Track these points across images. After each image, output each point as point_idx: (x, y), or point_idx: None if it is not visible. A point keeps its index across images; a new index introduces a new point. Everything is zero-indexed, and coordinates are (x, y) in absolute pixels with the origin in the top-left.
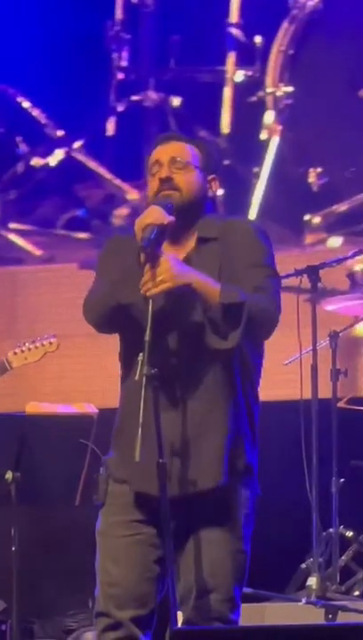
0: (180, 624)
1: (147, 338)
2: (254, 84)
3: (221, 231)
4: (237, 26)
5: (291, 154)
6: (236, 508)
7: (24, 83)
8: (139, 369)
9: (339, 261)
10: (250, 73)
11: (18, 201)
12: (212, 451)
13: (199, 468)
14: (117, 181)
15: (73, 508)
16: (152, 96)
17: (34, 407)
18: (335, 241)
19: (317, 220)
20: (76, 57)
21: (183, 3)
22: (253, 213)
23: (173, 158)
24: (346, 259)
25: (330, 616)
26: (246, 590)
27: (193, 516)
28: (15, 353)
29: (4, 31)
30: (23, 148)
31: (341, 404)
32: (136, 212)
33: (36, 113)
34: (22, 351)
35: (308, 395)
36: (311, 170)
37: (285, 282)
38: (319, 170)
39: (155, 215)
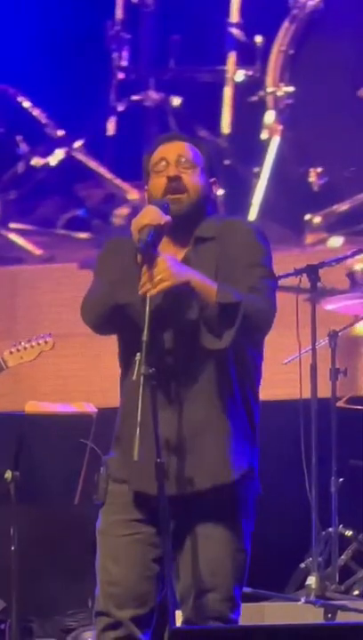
0: (179, 623)
1: (144, 338)
2: (255, 84)
3: (219, 231)
4: (237, 25)
5: (291, 154)
6: (236, 507)
7: (24, 82)
8: (136, 368)
9: (338, 261)
10: (250, 73)
11: (18, 201)
12: (210, 450)
13: (197, 467)
14: (118, 181)
15: (72, 507)
16: (152, 96)
17: (33, 406)
18: (336, 241)
19: (317, 219)
20: (76, 57)
21: (183, 3)
22: (253, 213)
23: (179, 157)
24: (346, 258)
25: (329, 615)
26: (246, 590)
27: (192, 515)
28: (11, 352)
29: (4, 31)
30: (23, 147)
31: (340, 404)
32: (136, 211)
33: (36, 113)
34: (18, 350)
35: (307, 394)
36: (312, 170)
37: (284, 281)
38: (320, 170)
39: (151, 216)
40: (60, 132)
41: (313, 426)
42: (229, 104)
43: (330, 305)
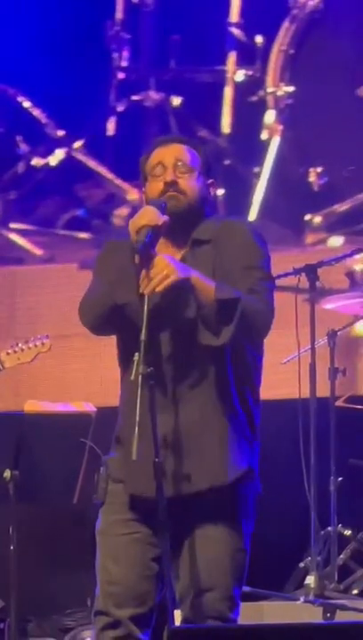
0: (178, 623)
1: (143, 337)
2: (255, 84)
3: (217, 233)
4: (237, 25)
5: (291, 154)
6: (235, 507)
7: (24, 82)
8: (135, 368)
9: (337, 260)
10: (251, 73)
11: (18, 201)
12: (207, 451)
13: (194, 468)
14: (118, 181)
15: (71, 506)
16: (153, 96)
17: (32, 406)
18: (336, 241)
19: (317, 219)
20: (76, 57)
21: (183, 3)
22: (253, 213)
23: (176, 161)
24: (345, 257)
25: (328, 615)
26: (244, 589)
27: (191, 516)
28: (8, 353)
29: (4, 31)
30: (24, 147)
31: (339, 403)
32: (136, 211)
33: (36, 113)
34: (15, 351)
35: (306, 393)
36: (312, 169)
37: (283, 281)
38: (320, 169)
39: (149, 216)
40: (61, 132)
41: (312, 425)
42: (230, 104)
43: (329, 304)
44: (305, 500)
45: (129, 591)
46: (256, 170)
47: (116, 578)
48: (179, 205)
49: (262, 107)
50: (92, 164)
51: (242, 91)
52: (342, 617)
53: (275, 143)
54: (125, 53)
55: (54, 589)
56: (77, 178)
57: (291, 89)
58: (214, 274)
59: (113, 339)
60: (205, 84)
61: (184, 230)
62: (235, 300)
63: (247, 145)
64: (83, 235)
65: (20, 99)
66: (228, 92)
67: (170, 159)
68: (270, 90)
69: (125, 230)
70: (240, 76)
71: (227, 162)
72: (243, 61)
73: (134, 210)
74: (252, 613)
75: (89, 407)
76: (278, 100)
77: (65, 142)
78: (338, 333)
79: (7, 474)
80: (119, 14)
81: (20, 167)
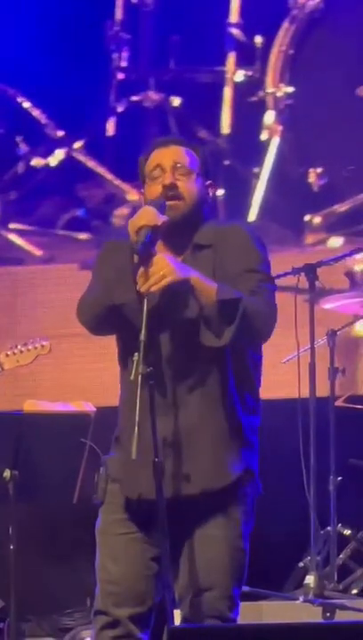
0: (178, 622)
1: (142, 337)
2: (255, 85)
3: (217, 238)
4: (237, 26)
5: (291, 154)
6: (234, 507)
7: (24, 83)
8: (134, 368)
9: (337, 260)
10: (250, 73)
11: (18, 201)
12: (204, 453)
13: (191, 470)
14: (118, 181)
15: (71, 506)
16: (152, 96)
17: (32, 405)
18: (336, 241)
19: (317, 220)
20: (76, 57)
21: (183, 3)
22: (253, 214)
23: (175, 163)
24: (344, 257)
25: (328, 614)
26: (244, 588)
27: (190, 516)
28: (7, 355)
29: (4, 31)
30: (23, 148)
31: (339, 403)
32: (136, 212)
33: (36, 113)
34: (14, 353)
35: (306, 393)
36: (312, 170)
37: (283, 281)
38: (320, 170)
39: (148, 217)
40: (60, 133)
41: (312, 425)
42: (229, 104)
43: (328, 304)
44: (305, 500)
45: (128, 591)
46: (256, 170)
47: (115, 577)
48: (177, 215)
49: (261, 107)
50: (91, 164)
51: (242, 91)
52: (341, 617)
53: (275, 144)
54: (125, 54)
55: (54, 589)
56: (77, 178)
57: (290, 89)
58: (215, 278)
59: (113, 339)
60: (204, 85)
61: (184, 234)
62: (236, 300)
63: (247, 145)
64: (82, 235)
65: (19, 99)
66: (227, 93)
67: (168, 161)
68: (269, 90)
69: (125, 230)
70: (240, 76)
71: (226, 162)
72: (242, 62)
73: (134, 210)
74: (251, 613)
75: (88, 407)
76: (278, 100)
77: (65, 143)
78: (338, 333)
79: (7, 474)
80: (119, 15)
81: (20, 167)
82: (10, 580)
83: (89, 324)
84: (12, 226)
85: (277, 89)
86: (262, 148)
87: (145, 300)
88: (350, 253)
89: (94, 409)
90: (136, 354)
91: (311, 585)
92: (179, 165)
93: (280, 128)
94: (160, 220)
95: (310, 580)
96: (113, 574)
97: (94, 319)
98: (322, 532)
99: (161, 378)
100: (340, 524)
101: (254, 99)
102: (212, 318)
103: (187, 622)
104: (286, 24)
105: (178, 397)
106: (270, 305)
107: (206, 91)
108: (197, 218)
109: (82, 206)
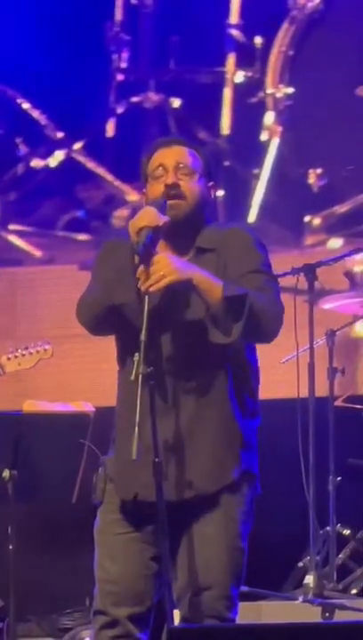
0: (177, 622)
1: (142, 337)
2: (254, 85)
3: (220, 242)
4: (237, 27)
5: (291, 155)
6: (233, 507)
7: (24, 84)
8: (135, 368)
9: (336, 260)
10: (250, 74)
11: (18, 202)
12: (202, 454)
13: (193, 470)
14: (117, 182)
15: (70, 506)
16: (152, 97)
17: (31, 405)
18: (336, 242)
19: (317, 221)
20: (75, 58)
21: (183, 3)
22: (253, 215)
23: (178, 163)
24: (343, 257)
25: (327, 614)
26: (243, 588)
27: (188, 515)
28: (9, 358)
29: (3, 31)
30: (23, 149)
31: (338, 403)
32: (136, 213)
33: (36, 114)
34: (16, 357)
35: (305, 393)
36: (311, 171)
37: (282, 281)
38: (319, 171)
39: (149, 217)
40: (60, 134)
41: (311, 425)
42: (229, 105)
43: (328, 304)
44: (304, 500)
45: (127, 590)
46: (256, 171)
47: (113, 577)
48: (179, 214)
49: (261, 108)
50: (91, 165)
51: (241, 92)
52: (340, 616)
53: (274, 144)
54: (125, 55)
55: (53, 589)
56: (77, 179)
57: (290, 90)
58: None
59: (113, 339)
60: (204, 86)
61: (186, 235)
62: (243, 296)
63: (247, 146)
64: (82, 236)
65: (19, 100)
66: (227, 94)
67: (171, 161)
68: (269, 91)
69: (125, 230)
70: (240, 77)
71: (226, 163)
72: (242, 63)
73: (134, 211)
74: (250, 613)
75: (88, 407)
76: (278, 101)
77: (64, 144)
78: (337, 333)
79: (6, 474)
80: (119, 15)
81: (20, 168)
82: (9, 580)
83: (88, 325)
84: (11, 227)
85: (276, 90)
86: (261, 149)
87: (146, 300)
88: (350, 253)
89: (94, 409)
90: (137, 354)
91: (311, 585)
92: (181, 165)
93: (280, 129)
94: (161, 220)
95: (309, 579)
96: (112, 574)
97: (94, 319)
98: (321, 531)
99: (161, 379)
100: (339, 524)
101: (254, 99)
102: (219, 316)
103: (186, 622)
104: (285, 25)
105: (178, 398)
106: (276, 303)
107: (206, 91)
108: (198, 218)
109: (82, 207)
